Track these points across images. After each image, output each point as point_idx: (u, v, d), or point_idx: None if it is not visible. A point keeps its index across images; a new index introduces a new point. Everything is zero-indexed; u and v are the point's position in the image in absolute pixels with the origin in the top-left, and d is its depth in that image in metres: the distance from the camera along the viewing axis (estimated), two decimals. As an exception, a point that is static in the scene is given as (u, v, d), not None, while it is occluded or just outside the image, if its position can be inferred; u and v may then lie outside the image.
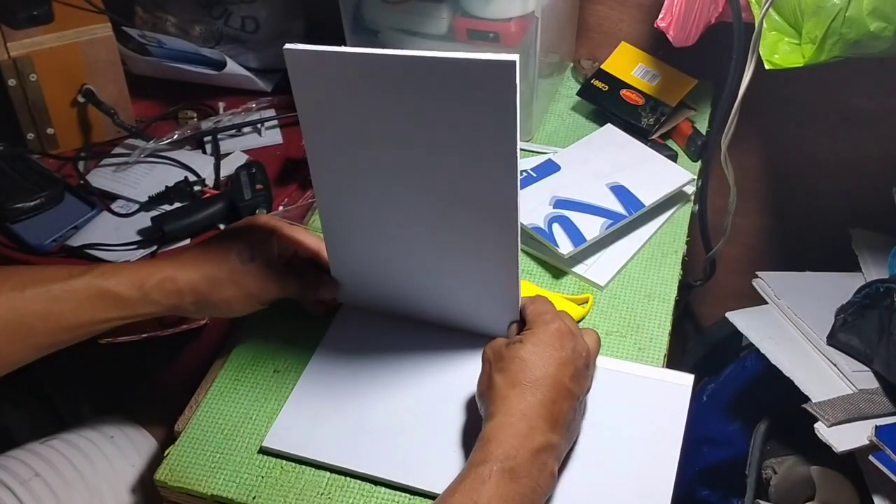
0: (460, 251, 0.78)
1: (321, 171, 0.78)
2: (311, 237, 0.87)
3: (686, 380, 0.81)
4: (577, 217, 0.96)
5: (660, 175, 1.02)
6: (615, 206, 0.98)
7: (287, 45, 0.69)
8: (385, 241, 0.80)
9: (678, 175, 1.02)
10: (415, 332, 0.86)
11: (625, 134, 1.09)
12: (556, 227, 0.95)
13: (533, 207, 0.98)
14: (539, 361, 0.70)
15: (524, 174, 1.03)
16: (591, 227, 0.95)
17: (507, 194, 0.72)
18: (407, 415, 0.79)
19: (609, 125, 1.11)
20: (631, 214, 0.97)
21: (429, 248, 0.79)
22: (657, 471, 0.74)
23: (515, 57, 0.63)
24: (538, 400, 0.68)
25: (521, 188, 0.99)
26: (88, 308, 0.75)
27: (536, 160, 1.05)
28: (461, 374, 0.82)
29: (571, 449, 0.74)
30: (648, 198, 0.99)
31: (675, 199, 1.02)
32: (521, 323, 0.78)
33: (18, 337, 0.74)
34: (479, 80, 0.66)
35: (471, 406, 0.79)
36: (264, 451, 0.78)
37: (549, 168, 1.03)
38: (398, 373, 0.83)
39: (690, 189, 1.04)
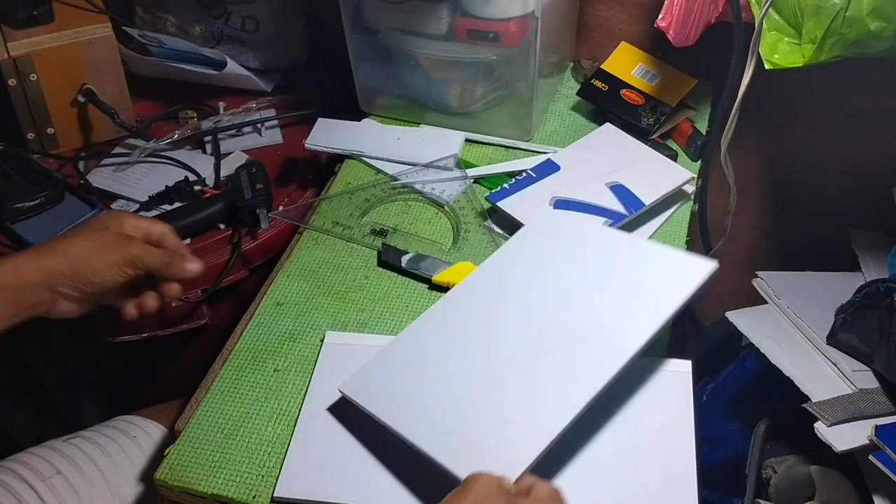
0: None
1: None
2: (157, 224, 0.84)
3: (684, 366, 0.82)
4: (577, 217, 0.96)
5: (660, 174, 1.02)
6: (615, 205, 0.98)
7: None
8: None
9: (678, 174, 1.02)
10: None
11: (624, 133, 1.09)
12: (556, 227, 0.95)
13: (533, 207, 0.98)
14: None
15: (524, 174, 1.03)
16: (591, 226, 0.95)
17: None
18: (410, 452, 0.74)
19: (608, 124, 1.11)
20: (631, 214, 0.97)
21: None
22: (677, 459, 0.75)
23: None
24: None
25: (521, 188, 1.00)
26: None
27: (536, 160, 1.05)
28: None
29: (589, 451, 0.75)
30: (648, 197, 0.99)
31: (675, 198, 1.02)
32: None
33: None
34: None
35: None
36: (277, 502, 0.75)
37: (548, 168, 1.03)
38: None
39: (690, 188, 1.04)
